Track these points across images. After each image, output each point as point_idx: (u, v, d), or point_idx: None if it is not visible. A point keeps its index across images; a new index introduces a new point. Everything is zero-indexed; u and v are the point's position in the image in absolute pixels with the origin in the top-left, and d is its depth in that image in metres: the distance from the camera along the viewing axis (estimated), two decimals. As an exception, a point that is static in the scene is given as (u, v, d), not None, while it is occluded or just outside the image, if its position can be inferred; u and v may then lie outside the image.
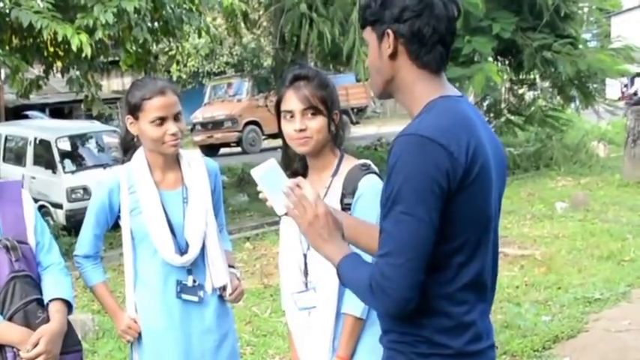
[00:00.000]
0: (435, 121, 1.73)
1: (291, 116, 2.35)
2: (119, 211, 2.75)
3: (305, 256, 2.39)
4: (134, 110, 2.70)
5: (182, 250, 2.73)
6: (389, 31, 1.78)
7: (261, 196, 1.93)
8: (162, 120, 2.66)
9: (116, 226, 2.86)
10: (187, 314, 2.76)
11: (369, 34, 1.84)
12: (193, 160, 2.85)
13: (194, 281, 2.75)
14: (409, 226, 1.66)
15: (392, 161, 1.70)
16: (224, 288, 2.81)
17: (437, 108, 1.77)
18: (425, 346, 1.78)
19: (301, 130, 2.33)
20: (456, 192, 1.69)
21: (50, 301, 2.51)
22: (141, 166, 2.75)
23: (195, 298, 2.75)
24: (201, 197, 2.79)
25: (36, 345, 2.41)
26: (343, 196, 2.33)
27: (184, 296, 2.74)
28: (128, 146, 2.83)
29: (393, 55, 1.79)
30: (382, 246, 1.70)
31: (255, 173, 1.92)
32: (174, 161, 2.81)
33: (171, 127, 2.67)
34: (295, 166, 2.50)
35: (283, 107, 2.39)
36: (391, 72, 1.82)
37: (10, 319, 2.42)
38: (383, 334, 1.90)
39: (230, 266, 2.87)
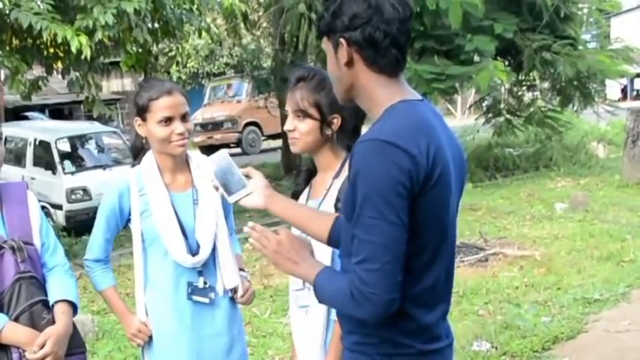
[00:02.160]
0: (395, 125, 1.74)
1: (287, 116, 2.42)
2: (129, 214, 2.75)
3: None
4: (142, 111, 2.72)
5: (193, 252, 2.73)
6: (342, 39, 1.80)
7: (212, 184, 2.13)
8: (169, 120, 2.68)
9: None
10: (198, 316, 2.76)
11: (326, 44, 1.86)
12: (202, 162, 2.86)
13: (205, 283, 2.76)
14: (380, 229, 1.68)
15: (355, 168, 1.72)
16: (235, 290, 2.83)
17: (396, 112, 1.78)
18: (389, 345, 1.81)
19: (290, 131, 2.39)
20: (418, 195, 1.70)
21: (55, 302, 2.52)
22: (151, 169, 2.76)
23: (206, 300, 2.75)
24: (211, 199, 2.79)
25: (42, 346, 2.41)
26: (338, 200, 2.33)
27: (195, 298, 2.74)
28: (138, 150, 2.85)
29: (349, 63, 1.82)
30: (357, 253, 1.72)
31: (209, 161, 2.06)
32: (183, 163, 2.82)
33: (178, 126, 2.69)
34: (307, 165, 2.54)
35: (286, 106, 2.45)
36: (350, 79, 1.84)
37: (15, 320, 2.43)
38: (345, 336, 1.92)
39: (240, 269, 2.88)
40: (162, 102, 2.68)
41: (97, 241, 2.81)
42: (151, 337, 2.77)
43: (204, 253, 2.74)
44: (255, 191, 2.11)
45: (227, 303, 2.81)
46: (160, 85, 2.74)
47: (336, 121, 2.37)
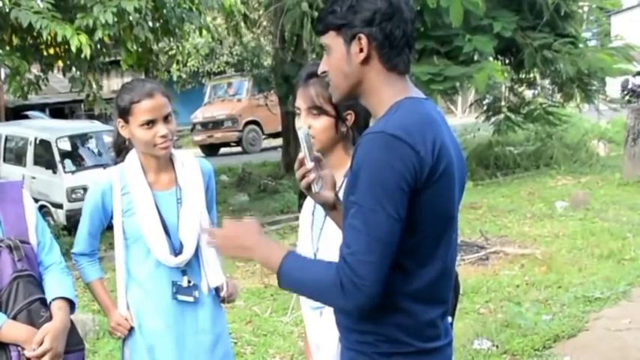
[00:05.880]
0: (402, 120, 1.74)
1: (299, 113, 2.36)
2: (112, 212, 2.76)
3: (315, 255, 2.37)
4: (124, 114, 2.72)
5: (176, 251, 2.74)
6: (361, 35, 1.78)
7: (300, 156, 1.91)
8: (151, 123, 2.68)
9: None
10: (182, 314, 2.77)
11: (333, 39, 1.82)
12: (187, 161, 2.86)
13: (189, 282, 2.76)
14: (378, 222, 1.68)
15: (359, 159, 1.72)
16: (220, 288, 2.83)
17: (403, 107, 1.78)
18: (387, 345, 1.80)
19: None
20: (421, 189, 1.71)
21: (53, 299, 2.52)
22: (134, 168, 2.77)
23: (191, 299, 2.76)
24: (195, 198, 2.79)
25: (41, 343, 2.42)
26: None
27: (180, 297, 2.76)
28: (121, 148, 2.86)
29: (366, 60, 1.80)
30: (350, 243, 1.70)
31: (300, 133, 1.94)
32: (167, 162, 2.82)
33: (160, 129, 2.68)
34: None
35: (295, 104, 2.39)
36: (360, 76, 1.82)
37: (14, 319, 2.43)
38: (342, 334, 1.90)
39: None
40: (144, 105, 2.67)
41: (82, 235, 2.84)
42: (131, 331, 2.78)
43: (187, 253, 2.74)
44: (326, 185, 1.95)
45: (211, 301, 2.82)
46: (140, 87, 2.73)
47: (350, 117, 2.33)
